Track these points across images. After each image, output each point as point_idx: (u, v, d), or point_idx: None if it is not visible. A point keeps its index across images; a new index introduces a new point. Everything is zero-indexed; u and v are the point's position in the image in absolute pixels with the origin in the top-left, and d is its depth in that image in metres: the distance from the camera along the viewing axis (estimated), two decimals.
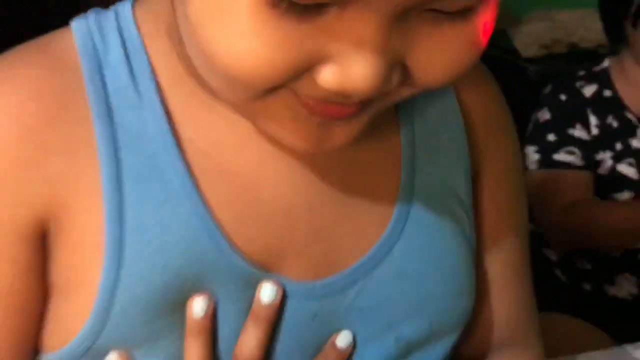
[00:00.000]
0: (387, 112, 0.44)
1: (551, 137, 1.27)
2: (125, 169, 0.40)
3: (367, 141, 0.45)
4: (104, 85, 0.42)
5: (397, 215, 0.47)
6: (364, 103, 0.36)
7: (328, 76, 0.33)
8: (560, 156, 1.25)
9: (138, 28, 0.44)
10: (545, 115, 1.29)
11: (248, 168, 0.44)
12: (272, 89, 0.34)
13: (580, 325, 1.22)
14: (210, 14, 0.32)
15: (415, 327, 0.47)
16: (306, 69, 0.33)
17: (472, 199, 0.51)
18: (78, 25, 0.44)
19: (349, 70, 0.32)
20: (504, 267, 0.55)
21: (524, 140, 1.46)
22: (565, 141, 1.26)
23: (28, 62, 0.42)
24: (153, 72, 0.43)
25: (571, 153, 1.25)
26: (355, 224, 0.46)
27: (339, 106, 0.35)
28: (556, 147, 1.26)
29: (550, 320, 1.19)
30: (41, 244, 0.41)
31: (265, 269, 0.43)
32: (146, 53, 0.43)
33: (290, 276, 0.44)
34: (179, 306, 0.41)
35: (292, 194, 0.44)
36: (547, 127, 1.28)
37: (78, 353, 0.41)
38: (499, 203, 0.54)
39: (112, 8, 0.46)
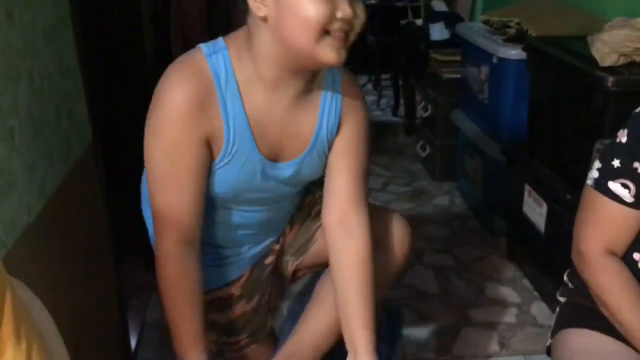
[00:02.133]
0: (318, 87, 1.24)
1: (616, 162, 1.22)
2: (231, 124, 1.17)
3: (306, 103, 1.23)
4: (219, 85, 1.14)
5: (312, 141, 1.26)
6: (347, 36, 1.08)
7: (340, 14, 1.05)
8: (615, 186, 1.21)
9: (229, 52, 1.16)
10: (622, 137, 1.23)
11: (272, 119, 1.21)
12: (325, 32, 1.06)
13: (621, 347, 1.22)
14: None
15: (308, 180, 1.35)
16: (333, 14, 1.05)
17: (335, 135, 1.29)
18: (206, 49, 1.16)
19: (345, 9, 1.05)
20: (347, 168, 1.30)
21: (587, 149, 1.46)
22: (626, 173, 1.21)
23: (190, 72, 1.14)
24: (234, 76, 1.16)
25: (626, 187, 1.20)
26: (298, 144, 1.25)
27: (343, 38, 1.08)
28: (616, 175, 1.21)
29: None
30: (207, 146, 1.18)
31: (271, 160, 1.25)
32: (232, 66, 1.15)
33: (264, 155, 1.23)
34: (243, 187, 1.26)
35: (282, 131, 1.23)
36: (617, 150, 1.23)
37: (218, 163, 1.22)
38: (350, 138, 1.30)
39: (216, 40, 1.20)
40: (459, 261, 2.85)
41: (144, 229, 2.72)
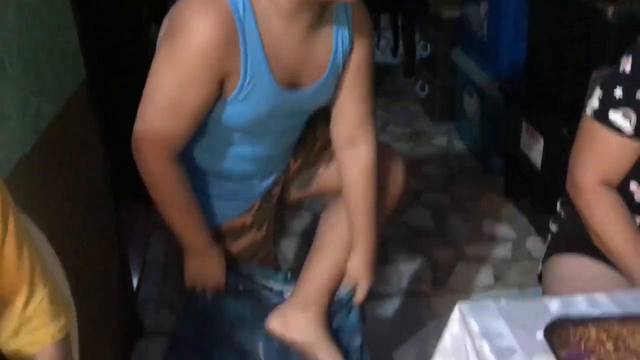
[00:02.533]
0: (330, 14, 1.24)
1: (618, 92, 1.19)
2: (249, 58, 1.16)
3: (321, 29, 1.25)
4: (238, 19, 1.11)
5: (330, 65, 1.29)
6: None
7: None
8: (616, 116, 1.19)
9: None
10: (626, 65, 1.19)
11: (289, 49, 1.21)
12: None
13: (610, 271, 1.25)
14: None
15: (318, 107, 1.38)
16: None
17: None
18: None
19: None
20: (357, 87, 1.36)
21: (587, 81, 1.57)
22: (628, 103, 1.18)
23: (213, 5, 1.11)
24: (252, 8, 1.13)
25: (626, 117, 1.18)
26: (315, 70, 1.27)
27: None
28: (617, 104, 1.18)
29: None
30: (220, 84, 1.18)
31: (288, 89, 1.25)
32: (252, 5, 1.13)
33: (282, 85, 1.23)
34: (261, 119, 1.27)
35: (298, 60, 1.24)
36: (620, 79, 1.19)
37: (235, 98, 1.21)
38: (360, 60, 1.34)
39: None
40: (456, 199, 2.88)
41: None
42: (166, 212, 1.32)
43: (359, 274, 1.45)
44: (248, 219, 1.47)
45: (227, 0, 1.12)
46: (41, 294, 0.85)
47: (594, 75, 1.70)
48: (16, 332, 0.83)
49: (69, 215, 1.49)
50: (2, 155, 1.12)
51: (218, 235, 1.43)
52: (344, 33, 1.30)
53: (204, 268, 1.39)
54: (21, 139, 1.22)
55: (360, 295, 1.47)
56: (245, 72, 1.16)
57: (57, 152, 1.43)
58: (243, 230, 1.46)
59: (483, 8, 2.92)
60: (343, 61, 1.33)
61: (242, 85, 1.17)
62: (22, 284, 0.82)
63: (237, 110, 1.22)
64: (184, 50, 1.12)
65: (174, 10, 1.17)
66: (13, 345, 0.83)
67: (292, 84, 1.26)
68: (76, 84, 1.61)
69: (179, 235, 1.35)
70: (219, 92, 1.19)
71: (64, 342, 0.89)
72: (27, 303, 0.83)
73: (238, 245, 1.45)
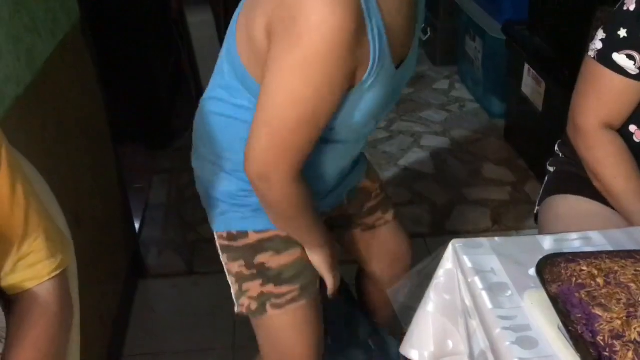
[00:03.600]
0: None
1: (622, 32, 1.16)
2: (376, 43, 0.94)
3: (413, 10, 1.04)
4: (366, 4, 0.91)
5: (414, 44, 1.09)
6: None
7: None
8: (619, 58, 1.16)
9: None
10: (630, 4, 1.16)
11: (400, 28, 1.00)
12: None
13: (605, 210, 1.27)
14: None
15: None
16: None
17: None
18: None
19: None
20: None
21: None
22: (632, 43, 1.15)
23: None
24: None
25: (631, 58, 1.15)
26: (408, 42, 1.06)
27: None
28: (621, 45, 1.16)
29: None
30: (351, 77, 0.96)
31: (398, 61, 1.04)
32: None
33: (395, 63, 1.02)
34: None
35: (403, 32, 1.02)
36: (624, 18, 1.16)
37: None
38: None
39: None
40: (455, 143, 2.87)
41: (143, 114, 2.73)
42: (296, 226, 1.14)
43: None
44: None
45: None
46: (37, 231, 0.85)
47: (598, 13, 1.67)
48: (13, 268, 0.84)
49: (67, 155, 1.49)
50: None
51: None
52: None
53: (333, 255, 1.24)
54: (16, 77, 1.21)
55: (330, 287, 1.28)
56: (374, 59, 0.96)
57: (53, 92, 1.42)
58: (290, 241, 1.20)
59: None
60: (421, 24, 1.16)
61: (370, 72, 0.97)
62: (17, 220, 0.82)
63: (365, 101, 1.02)
64: (316, 50, 0.90)
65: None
66: (11, 280, 0.84)
67: (398, 60, 1.06)
68: (71, 22, 1.59)
69: (309, 242, 1.19)
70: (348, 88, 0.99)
71: (62, 278, 0.89)
72: (23, 239, 0.83)
73: (281, 259, 1.20)
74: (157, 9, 2.83)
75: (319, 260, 1.22)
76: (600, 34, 1.21)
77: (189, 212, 2.42)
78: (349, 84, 0.96)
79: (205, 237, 2.29)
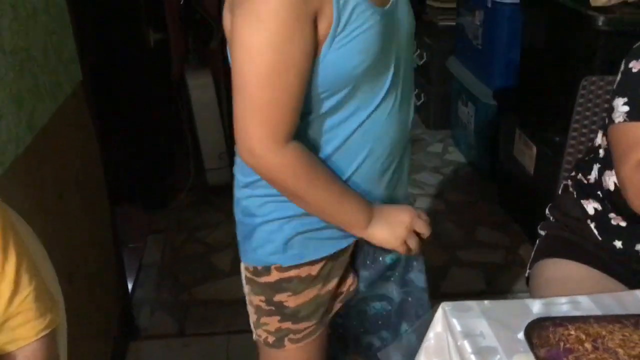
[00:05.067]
0: None
1: None
2: None
3: None
4: None
5: None
6: None
7: None
8: None
9: None
10: (636, 66, 1.19)
11: None
12: None
13: (595, 274, 1.26)
14: None
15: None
16: None
17: None
18: None
19: None
20: None
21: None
22: None
23: None
24: None
25: None
26: None
27: None
28: None
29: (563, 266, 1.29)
30: (315, 26, 0.91)
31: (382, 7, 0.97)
32: None
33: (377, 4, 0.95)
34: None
35: None
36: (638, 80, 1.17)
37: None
38: None
39: None
40: (450, 205, 2.90)
41: (141, 174, 2.76)
42: (316, 204, 1.03)
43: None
44: (314, 270, 1.13)
45: None
46: (27, 290, 0.85)
47: (583, 82, 1.72)
48: (2, 325, 0.83)
49: (63, 214, 1.50)
50: None
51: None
52: None
53: (394, 223, 1.09)
54: (16, 138, 1.24)
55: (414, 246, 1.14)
56: (338, 5, 0.92)
57: (52, 152, 1.45)
58: (308, 280, 1.14)
59: (478, 17, 2.94)
60: None
61: (337, 22, 0.92)
62: (8, 279, 0.82)
63: (339, 58, 0.95)
64: (267, 4, 0.89)
65: None
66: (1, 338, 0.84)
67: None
68: (73, 86, 1.63)
69: (347, 223, 1.07)
70: (315, 37, 0.93)
71: (49, 339, 0.88)
72: (11, 298, 0.83)
73: (299, 299, 1.14)
74: (158, 71, 2.91)
75: (379, 240, 1.09)
76: (620, 101, 1.20)
77: (183, 272, 2.42)
78: (314, 39, 0.92)
79: (198, 299, 2.28)
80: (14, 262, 0.83)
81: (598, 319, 0.93)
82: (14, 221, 0.90)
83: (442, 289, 2.31)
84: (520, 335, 0.91)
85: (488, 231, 2.67)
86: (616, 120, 1.20)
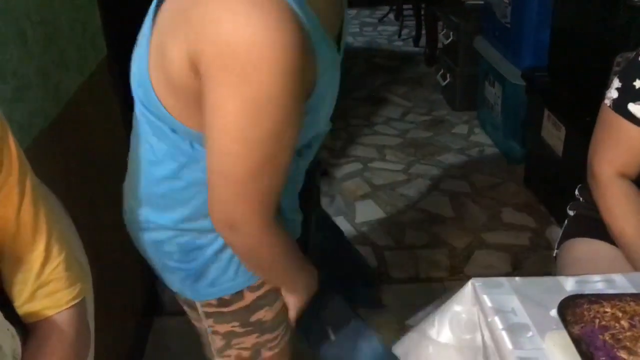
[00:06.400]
0: None
1: (638, 83, 1.16)
2: (316, 46, 0.78)
3: None
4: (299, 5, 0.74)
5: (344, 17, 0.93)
6: None
7: None
8: (635, 108, 1.16)
9: None
10: None
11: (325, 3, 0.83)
12: None
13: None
14: None
15: None
16: None
17: None
18: None
19: None
20: None
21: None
22: None
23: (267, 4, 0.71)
24: None
25: None
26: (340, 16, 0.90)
27: None
28: (636, 96, 1.16)
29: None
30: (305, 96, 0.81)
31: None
32: None
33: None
34: None
35: (333, 10, 0.87)
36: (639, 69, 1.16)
37: None
38: None
39: None
40: (475, 187, 2.86)
41: None
42: (278, 272, 1.01)
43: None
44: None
45: None
46: (57, 260, 0.86)
47: (618, 58, 1.68)
48: (32, 296, 0.84)
49: (88, 190, 1.51)
50: (24, 124, 1.14)
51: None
52: None
53: (311, 284, 1.09)
54: (42, 110, 1.23)
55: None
56: (315, 62, 0.81)
57: (77, 127, 1.45)
58: (279, 291, 1.09)
59: None
60: None
61: (322, 77, 0.83)
62: (39, 248, 0.83)
63: (318, 105, 0.87)
64: (266, 88, 0.75)
65: (209, 27, 0.74)
66: (30, 308, 0.84)
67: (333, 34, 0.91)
68: (97, 60, 1.63)
69: (290, 285, 1.05)
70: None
71: (79, 308, 0.89)
72: (43, 267, 0.84)
73: (273, 310, 1.09)
74: None
75: (293, 303, 1.09)
76: (616, 83, 1.21)
77: None
78: (303, 103, 0.82)
79: None
80: (44, 231, 0.84)
81: (634, 296, 0.90)
82: (44, 192, 0.91)
83: (466, 272, 2.29)
84: (553, 313, 0.89)
85: (513, 213, 2.63)
86: (605, 100, 1.22)
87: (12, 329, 0.81)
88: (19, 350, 0.81)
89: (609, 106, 1.21)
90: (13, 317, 0.84)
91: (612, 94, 1.21)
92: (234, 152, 0.80)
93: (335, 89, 0.92)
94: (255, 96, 0.75)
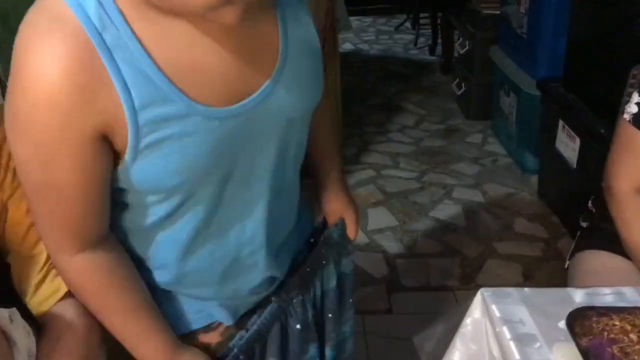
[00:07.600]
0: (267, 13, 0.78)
1: None
2: (135, 101, 0.69)
3: (255, 27, 0.77)
4: (101, 44, 0.67)
5: (278, 65, 0.80)
6: None
7: None
8: None
9: None
10: None
11: (194, 55, 0.73)
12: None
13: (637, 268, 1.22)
14: None
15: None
16: None
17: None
18: None
19: None
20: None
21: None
22: None
23: (58, 28, 0.65)
24: (125, 22, 0.68)
25: None
26: (251, 71, 0.77)
27: None
28: None
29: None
30: (103, 142, 0.72)
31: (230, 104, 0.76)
32: (115, 4, 0.67)
33: (214, 104, 0.74)
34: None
35: (215, 61, 0.75)
36: None
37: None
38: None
39: None
40: (488, 197, 2.85)
41: None
42: (105, 319, 0.88)
43: (342, 206, 1.12)
44: (214, 338, 0.98)
45: (75, 17, 0.68)
46: None
47: (634, 71, 1.67)
48: (39, 284, 0.86)
49: None
50: None
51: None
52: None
53: None
54: None
55: (352, 229, 1.12)
56: (136, 121, 0.72)
57: None
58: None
59: (524, 5, 2.88)
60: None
61: (136, 138, 0.73)
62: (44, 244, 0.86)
63: (151, 163, 0.76)
64: (27, 108, 0.70)
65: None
66: (37, 298, 0.87)
67: (238, 93, 0.79)
68: None
69: (129, 349, 0.89)
70: (105, 154, 0.75)
71: None
72: (47, 260, 0.87)
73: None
74: None
75: None
76: (636, 97, 1.20)
77: None
78: (97, 158, 0.74)
79: None
80: None
81: None
82: None
83: (477, 281, 2.28)
84: (562, 324, 0.89)
85: (526, 223, 2.63)
86: (624, 115, 1.20)
87: (29, 327, 0.83)
88: (34, 348, 0.83)
89: (629, 121, 1.20)
90: (27, 316, 0.86)
91: (632, 108, 1.20)
92: (18, 169, 0.79)
93: (202, 160, 0.79)
94: (16, 113, 0.73)
